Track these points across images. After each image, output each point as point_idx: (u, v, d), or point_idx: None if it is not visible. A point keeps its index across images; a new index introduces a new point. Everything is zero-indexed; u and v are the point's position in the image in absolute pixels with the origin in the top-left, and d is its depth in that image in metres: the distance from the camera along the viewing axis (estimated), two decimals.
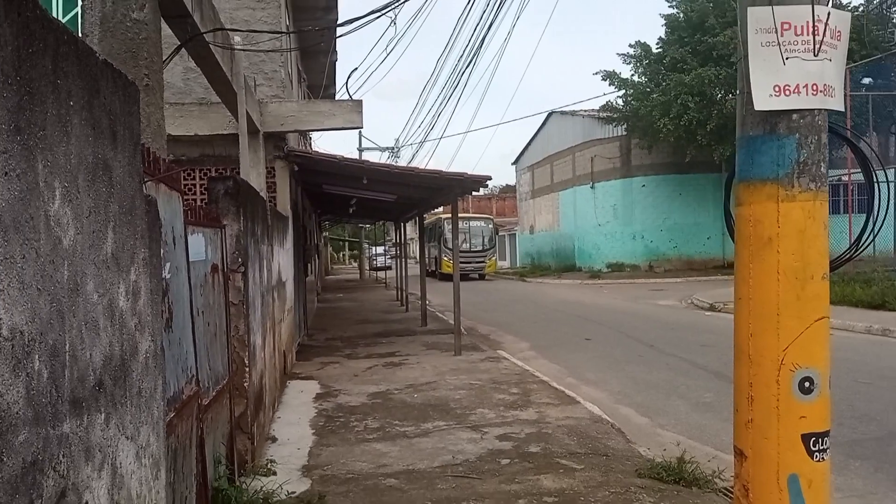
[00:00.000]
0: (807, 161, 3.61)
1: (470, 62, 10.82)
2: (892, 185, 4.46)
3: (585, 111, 35.03)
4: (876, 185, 4.12)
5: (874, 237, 4.55)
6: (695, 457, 5.29)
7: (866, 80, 19.18)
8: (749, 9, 3.59)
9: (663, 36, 28.25)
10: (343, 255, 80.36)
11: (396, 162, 33.46)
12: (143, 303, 2.16)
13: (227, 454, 4.30)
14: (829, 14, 3.55)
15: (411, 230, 36.85)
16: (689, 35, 26.67)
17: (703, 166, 28.85)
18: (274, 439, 6.37)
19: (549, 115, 39.51)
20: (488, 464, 5.54)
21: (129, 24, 3.43)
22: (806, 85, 3.58)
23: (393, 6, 5.61)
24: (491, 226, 38.29)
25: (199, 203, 6.88)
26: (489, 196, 58.72)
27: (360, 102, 10.19)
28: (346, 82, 12.11)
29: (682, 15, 27.38)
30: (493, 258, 38.39)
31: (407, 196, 14.23)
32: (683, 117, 25.41)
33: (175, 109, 9.13)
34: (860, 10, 23.88)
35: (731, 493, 3.97)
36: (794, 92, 3.58)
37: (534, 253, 42.73)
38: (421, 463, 5.60)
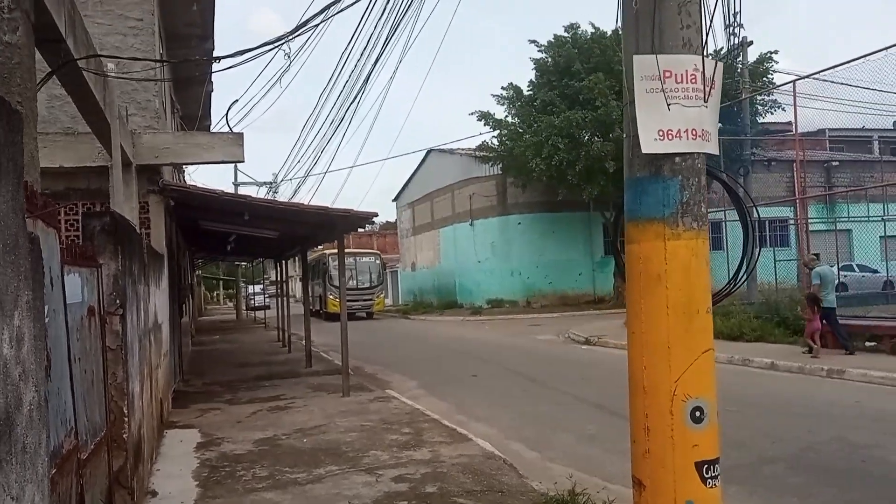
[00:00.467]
0: (689, 201, 3.82)
1: (355, 99, 10.86)
2: (751, 218, 4.80)
3: (463, 150, 35.91)
4: (749, 225, 4.43)
5: (749, 274, 4.90)
6: (586, 488, 5.39)
7: (718, 124, 20.93)
8: (635, 57, 3.79)
9: (534, 79, 29.53)
10: (217, 294, 77.11)
11: (275, 197, 32.71)
12: (27, 350, 1.93)
13: None
14: (706, 64, 3.82)
15: (292, 268, 35.98)
16: (558, 79, 27.98)
17: (574, 205, 30.21)
18: (154, 493, 5.91)
19: (429, 152, 40.15)
20: None
21: (0, 48, 3.14)
22: (687, 130, 3.80)
23: (286, 39, 5.52)
24: (379, 262, 37.06)
25: (62, 242, 6.36)
26: (370, 233, 58.55)
27: (241, 135, 9.88)
28: (227, 114, 11.72)
29: (550, 59, 28.71)
30: (382, 295, 37.27)
31: (290, 232, 13.90)
32: (554, 158, 26.51)
33: (39, 140, 8.47)
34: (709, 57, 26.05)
35: None
36: (676, 136, 3.78)
37: (416, 290, 42.86)
38: None
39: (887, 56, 13.88)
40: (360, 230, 17.78)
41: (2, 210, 1.79)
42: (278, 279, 25.48)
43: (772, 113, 27.00)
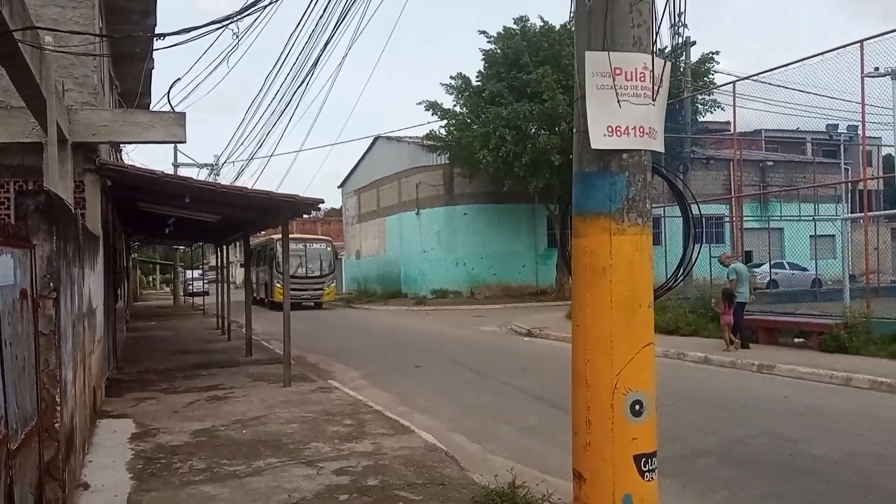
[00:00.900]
0: (635, 197, 3.88)
1: (303, 83, 10.67)
2: (692, 215, 4.88)
3: (411, 138, 35.79)
4: (690, 222, 4.53)
5: (689, 269, 5.02)
6: (525, 481, 5.43)
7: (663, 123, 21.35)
8: (587, 53, 3.82)
9: (482, 70, 29.60)
10: (154, 279, 75.02)
11: (217, 180, 31.96)
12: None
13: None
14: (655, 63, 3.87)
15: (233, 253, 35.15)
16: (506, 71, 28.12)
17: (519, 197, 30.45)
18: (86, 486, 5.70)
19: (376, 139, 39.85)
20: (326, 500, 5.34)
21: None
22: (635, 127, 3.85)
23: (234, 19, 5.36)
24: (330, 249, 34.55)
25: None
26: (315, 219, 57.85)
27: (183, 115, 9.59)
28: (168, 93, 11.40)
29: (499, 51, 28.84)
30: (333, 285, 34.66)
31: (232, 217, 13.60)
32: (501, 149, 26.67)
33: None
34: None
35: None
36: (625, 133, 3.83)
37: (360, 278, 42.59)
38: None
39: (822, 61, 14.43)
40: (304, 216, 17.51)
41: None
42: (218, 264, 24.87)
43: (711, 112, 27.74)
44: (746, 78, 17.39)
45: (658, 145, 3.97)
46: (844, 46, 13.75)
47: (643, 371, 3.86)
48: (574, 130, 4.09)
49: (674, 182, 4.65)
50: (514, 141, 26.48)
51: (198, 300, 36.37)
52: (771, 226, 25.81)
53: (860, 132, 15.92)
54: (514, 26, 28.87)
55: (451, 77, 30.27)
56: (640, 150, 3.90)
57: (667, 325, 15.86)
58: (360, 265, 43.45)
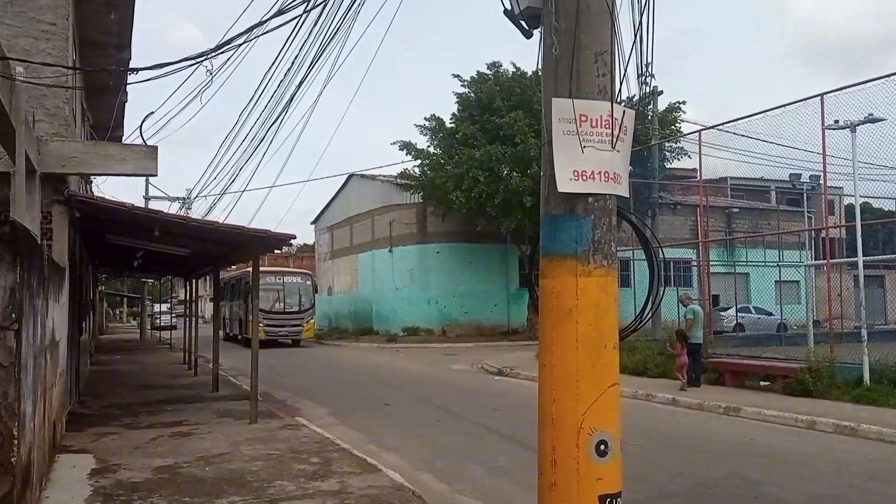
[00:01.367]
0: (601, 240, 3.98)
1: (277, 119, 10.74)
2: (657, 260, 5.00)
3: (385, 176, 36.01)
4: (655, 265, 4.64)
5: (654, 312, 5.11)
6: None
7: (629, 168, 21.82)
8: (553, 99, 3.95)
9: (456, 112, 30.09)
10: (120, 312, 73.62)
11: (188, 214, 31.69)
12: None
13: None
14: (619, 111, 4.01)
15: (202, 287, 34.59)
16: (480, 114, 28.66)
17: (492, 237, 30.75)
18: None
19: (350, 177, 40.03)
20: None
21: None
22: (600, 172, 3.97)
23: (208, 56, 5.43)
24: (310, 283, 32.70)
25: None
26: (286, 255, 57.48)
27: (155, 148, 9.54)
28: (141, 126, 11.30)
29: (472, 94, 29.40)
30: (312, 321, 32.09)
31: (203, 251, 13.50)
32: (474, 190, 27.02)
33: None
34: (623, 105, 27.30)
35: None
36: (590, 177, 3.94)
37: (332, 315, 42.28)
38: None
39: (784, 113, 14.89)
40: (276, 252, 17.44)
41: None
42: (187, 298, 24.49)
43: (679, 159, 28.42)
44: (712, 127, 17.89)
45: (623, 190, 4.09)
46: (805, 99, 14.23)
47: (609, 411, 3.91)
48: (542, 174, 4.19)
49: (639, 227, 4.77)
50: (486, 182, 26.84)
51: (165, 334, 35.75)
52: (737, 270, 26.34)
53: (822, 182, 16.39)
54: (488, 71, 29.51)
55: (426, 118, 30.76)
56: (606, 194, 4.01)
57: (635, 366, 15.97)
58: (331, 301, 43.18)
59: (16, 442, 4.12)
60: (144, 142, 9.95)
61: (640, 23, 4.69)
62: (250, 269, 29.94)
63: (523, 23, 4.26)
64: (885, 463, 8.22)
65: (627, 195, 4.21)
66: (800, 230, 30.91)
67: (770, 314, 26.22)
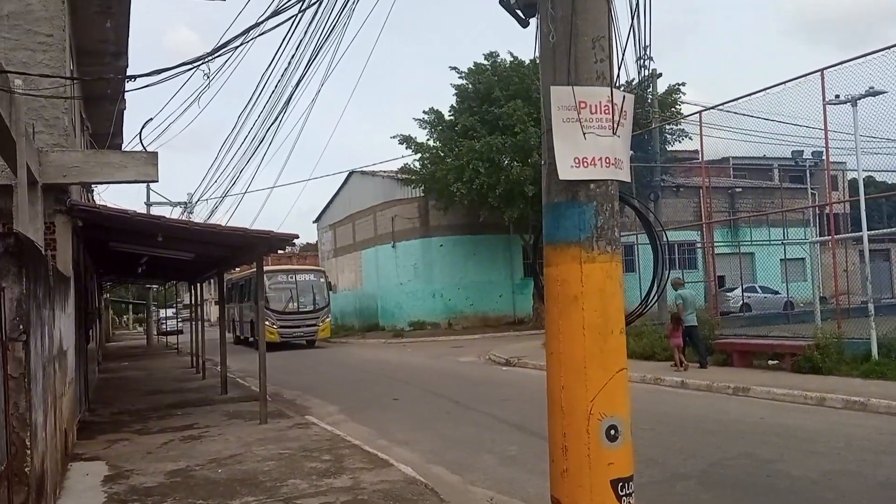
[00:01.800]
0: (604, 226, 3.97)
1: (276, 119, 10.74)
2: (661, 243, 4.99)
3: (385, 172, 36.00)
4: (659, 248, 4.63)
5: (659, 296, 5.11)
6: None
7: (630, 152, 21.71)
8: (552, 87, 3.93)
9: (455, 105, 30.03)
10: (126, 318, 73.85)
11: (190, 218, 31.70)
12: None
13: None
14: (618, 96, 4.00)
15: (207, 290, 34.58)
16: (478, 105, 28.60)
17: (495, 227, 30.76)
18: None
19: (350, 174, 40.01)
20: None
21: None
22: (601, 158, 3.95)
23: (205, 60, 5.42)
24: (324, 280, 30.54)
25: None
26: (289, 255, 57.56)
27: (155, 154, 9.56)
28: (140, 133, 11.36)
29: (470, 86, 29.33)
30: (328, 319, 30.31)
31: (207, 254, 13.52)
32: (475, 181, 27.00)
33: None
34: (622, 90, 27.25)
35: None
36: (591, 164, 3.93)
37: (337, 312, 42.26)
38: None
39: (785, 90, 14.83)
40: (279, 252, 17.44)
41: None
42: (192, 302, 24.52)
43: (680, 141, 28.34)
44: (712, 108, 17.81)
45: (624, 175, 4.08)
46: (806, 75, 14.17)
47: (617, 396, 3.91)
48: (543, 162, 4.18)
49: (641, 211, 4.76)
50: (487, 173, 26.81)
51: (172, 339, 35.82)
52: (742, 250, 26.28)
53: (825, 158, 16.32)
54: (485, 62, 29.41)
55: (424, 112, 30.72)
56: (607, 180, 3.99)
57: (643, 350, 15.99)
58: (336, 299, 43.17)
59: (29, 452, 4.15)
60: (144, 148, 9.95)
61: (637, 5, 4.68)
62: (264, 268, 28.92)
63: (519, 12, 4.24)
64: (894, 436, 8.23)
65: (629, 180, 4.20)
66: (803, 207, 30.84)
67: (776, 293, 26.20)
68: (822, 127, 14.16)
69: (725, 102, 17.00)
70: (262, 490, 6.67)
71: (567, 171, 3.88)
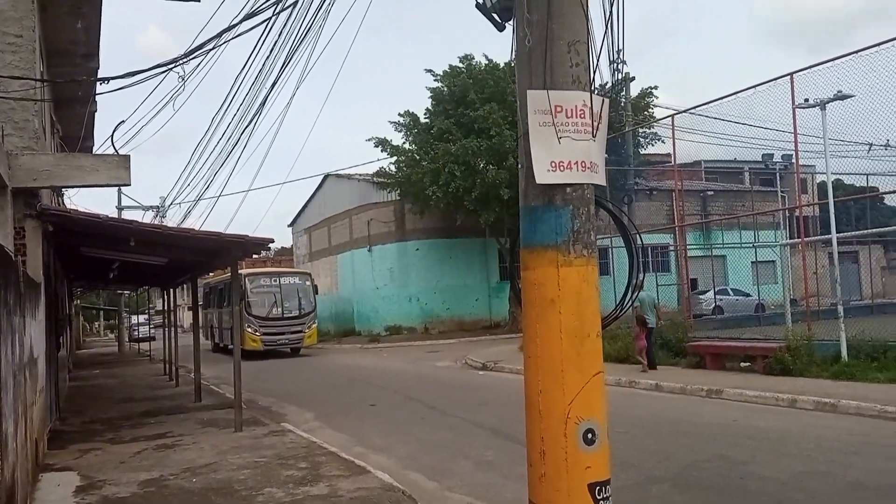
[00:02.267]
0: (580, 230, 3.99)
1: (250, 122, 10.63)
2: (636, 247, 5.02)
3: (361, 175, 35.86)
4: (634, 252, 4.66)
5: (634, 299, 5.14)
6: None
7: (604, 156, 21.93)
8: (528, 91, 3.95)
9: (430, 107, 30.02)
10: (98, 325, 72.66)
11: (163, 222, 31.28)
12: None
13: None
14: (593, 100, 4.02)
15: (180, 296, 34.01)
16: (454, 108, 28.59)
17: (471, 231, 30.79)
18: None
19: (326, 177, 39.81)
20: None
21: None
22: (577, 162, 3.97)
23: (179, 62, 5.36)
24: (310, 283, 28.53)
25: None
26: (264, 259, 57.03)
27: (127, 157, 9.43)
28: (112, 136, 11.09)
29: (446, 89, 29.34)
30: (314, 325, 28.33)
31: (180, 259, 13.35)
32: (451, 185, 26.99)
33: None
34: (595, 93, 27.44)
35: None
36: (567, 168, 3.95)
37: None
38: None
39: (755, 94, 15.08)
40: (254, 256, 17.28)
41: None
42: (165, 308, 24.12)
43: (653, 145, 28.66)
44: (684, 111, 18.06)
45: (600, 179, 4.10)
46: (775, 79, 14.42)
47: (594, 399, 3.93)
48: (519, 166, 4.20)
49: (616, 214, 4.79)
50: (463, 176, 26.83)
51: (144, 346, 35.26)
52: (714, 253, 26.66)
53: (794, 161, 16.60)
54: (460, 65, 29.43)
55: (400, 114, 30.62)
56: (583, 184, 4.02)
57: (618, 353, 16.09)
58: None
59: None
60: (116, 151, 9.82)
61: (611, 10, 4.71)
62: (243, 271, 26.96)
63: (495, 16, 4.25)
64: (863, 437, 8.36)
65: (605, 184, 4.22)
66: (774, 210, 31.32)
67: (748, 295, 26.56)
68: (792, 130, 14.41)
69: (697, 106, 17.25)
70: (238, 499, 6.59)
71: (544, 174, 3.90)
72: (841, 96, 13.60)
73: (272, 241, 10.81)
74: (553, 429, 3.84)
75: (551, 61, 3.91)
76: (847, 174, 26.27)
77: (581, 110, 3.95)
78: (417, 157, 29.19)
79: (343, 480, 7.06)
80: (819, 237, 21.02)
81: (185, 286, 22.42)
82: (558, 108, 3.91)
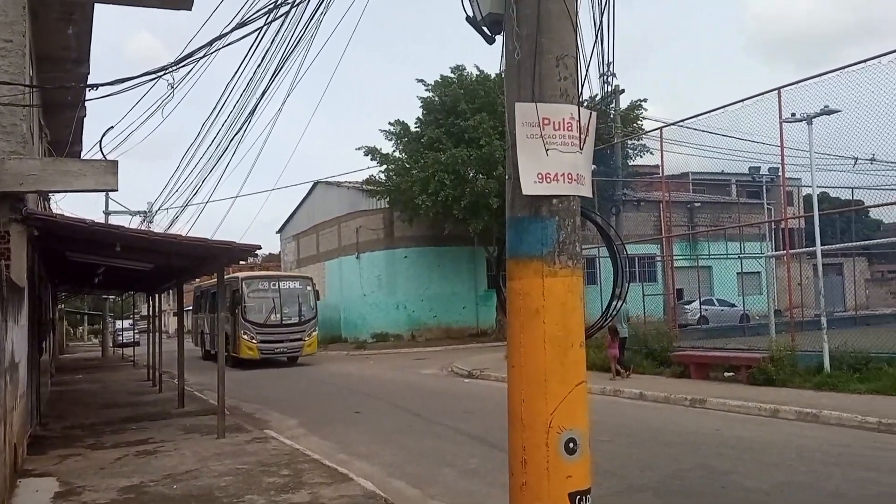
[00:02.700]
0: (566, 241, 4.02)
1: (240, 130, 10.63)
2: (621, 258, 5.07)
3: (350, 183, 35.88)
4: (619, 263, 4.70)
5: (618, 310, 5.18)
6: None
7: (592, 167, 22.02)
8: (517, 104, 3.99)
9: (421, 117, 30.12)
10: (82, 330, 71.99)
11: (150, 227, 31.06)
12: None
13: None
14: (581, 113, 4.07)
15: (166, 301, 33.77)
16: (444, 117, 28.75)
17: (459, 239, 30.84)
18: None
19: (315, 184, 39.80)
20: None
21: None
22: (564, 174, 4.01)
23: (169, 70, 5.36)
24: (310, 288, 26.48)
25: None
26: (252, 265, 56.84)
27: (115, 163, 9.38)
28: (100, 141, 11.03)
29: (437, 99, 29.48)
30: (314, 333, 26.34)
31: (166, 265, 13.28)
32: (440, 193, 27.08)
33: None
34: (585, 105, 27.63)
35: None
36: (554, 179, 3.98)
37: None
38: None
39: (743, 107, 15.24)
40: (241, 262, 17.09)
41: None
42: (150, 314, 23.87)
43: (641, 156, 28.85)
44: (673, 124, 18.22)
45: (586, 191, 4.14)
46: (763, 94, 14.57)
47: (577, 409, 3.95)
48: (507, 177, 4.23)
49: (602, 226, 4.83)
50: (452, 185, 26.92)
51: (128, 351, 34.96)
52: (700, 264, 26.81)
53: (780, 174, 16.76)
54: (452, 75, 29.60)
55: (390, 123, 30.74)
56: (569, 195, 4.05)
57: (604, 362, 16.12)
58: None
59: None
60: (104, 156, 9.77)
61: (601, 24, 4.77)
62: (239, 274, 26.49)
63: (485, 29, 4.28)
64: (844, 447, 8.44)
65: (591, 195, 4.26)
66: (760, 222, 31.60)
67: (733, 306, 26.73)
68: (779, 144, 14.56)
69: (686, 119, 17.41)
70: None
71: (530, 186, 3.93)
72: (827, 111, 13.76)
73: (259, 247, 10.78)
74: (535, 438, 3.86)
75: (540, 74, 3.95)
76: (833, 187, 26.53)
77: (568, 123, 3.99)
78: (407, 166, 29.26)
79: (325, 488, 7.04)
80: (804, 249, 21.23)
81: (170, 291, 22.25)
82: (546, 121, 3.95)
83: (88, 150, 18.53)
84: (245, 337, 24.15)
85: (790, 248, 16.89)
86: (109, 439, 10.55)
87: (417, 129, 30.00)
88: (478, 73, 29.53)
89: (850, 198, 23.92)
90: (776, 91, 14.20)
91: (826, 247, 15.12)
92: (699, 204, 37.15)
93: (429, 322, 32.69)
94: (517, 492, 3.91)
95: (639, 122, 28.51)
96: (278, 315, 25.08)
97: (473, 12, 4.20)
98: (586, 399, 4.03)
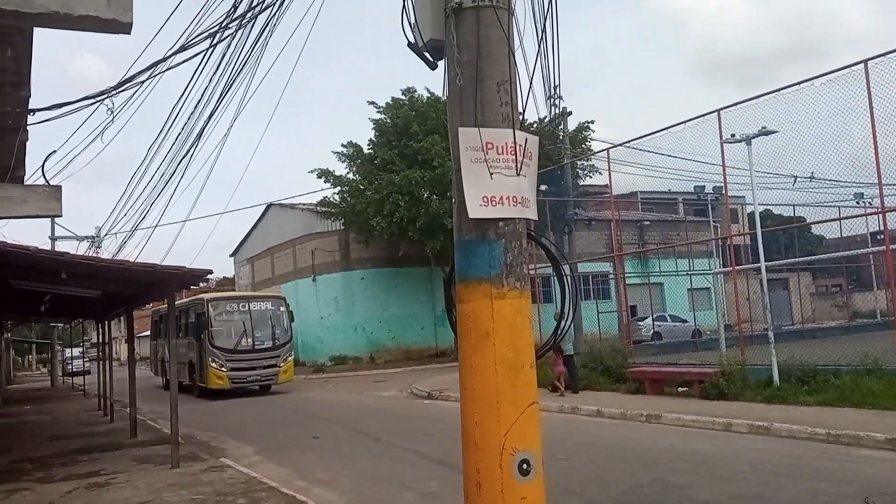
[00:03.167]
0: (513, 263, 4.10)
1: (188, 153, 10.51)
2: (568, 278, 5.17)
3: (305, 205, 35.66)
4: (566, 286, 4.79)
5: (566, 331, 5.27)
6: None
7: (543, 187, 22.26)
8: (460, 129, 4.07)
9: (373, 138, 30.16)
10: (30, 359, 69.60)
11: (98, 253, 30.30)
12: None
13: None
14: (523, 138, 4.16)
15: (117, 327, 32.88)
16: (397, 139, 28.82)
17: (416, 260, 30.84)
18: None
19: (269, 207, 39.43)
20: None
21: None
22: (509, 197, 4.09)
23: (109, 94, 5.30)
24: (283, 309, 23.74)
25: None
26: (206, 290, 55.89)
27: (59, 188, 9.22)
28: (42, 166, 10.72)
29: (389, 120, 29.56)
30: (290, 358, 23.66)
31: (115, 292, 12.98)
32: (395, 215, 27.09)
33: None
34: (534, 127, 28.09)
35: None
36: (499, 203, 4.06)
37: None
38: None
39: (686, 128, 15.70)
40: (193, 287, 16.74)
41: None
42: (100, 341, 23.20)
43: (591, 176, 29.27)
44: (620, 144, 18.67)
45: (531, 213, 4.22)
46: (704, 115, 15.04)
47: (529, 430, 4.00)
48: (454, 201, 4.29)
49: (548, 247, 4.92)
50: (407, 206, 26.96)
51: (78, 380, 33.91)
52: (651, 281, 27.33)
53: (724, 192, 17.26)
54: (403, 97, 29.74)
55: (343, 145, 30.64)
56: (515, 218, 4.13)
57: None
58: None
59: None
60: (47, 182, 9.58)
61: (543, 49, 4.89)
62: (206, 295, 24.84)
63: (427, 55, 4.36)
64: (795, 459, 8.66)
65: (536, 218, 4.34)
66: (707, 240, 32.42)
67: (685, 321, 27.29)
68: (721, 163, 15.01)
69: (632, 140, 17.86)
70: None
71: (476, 209, 4.00)
72: (765, 132, 14.26)
73: (210, 272, 10.63)
74: (488, 460, 3.89)
75: (481, 100, 4.04)
76: (775, 205, 27.48)
77: (511, 147, 4.08)
78: (361, 188, 29.22)
79: None
80: (750, 265, 21.84)
81: (121, 318, 21.67)
82: (489, 145, 4.03)
83: (31, 175, 18.08)
84: (214, 365, 21.81)
85: (736, 264, 17.38)
86: (59, 472, 10.21)
87: (370, 151, 30.00)
88: (428, 95, 29.73)
89: (793, 214, 24.74)
90: (716, 113, 14.68)
91: (771, 262, 15.60)
92: (648, 222, 37.95)
93: (388, 343, 32.53)
94: None
95: (587, 143, 28.99)
96: (250, 339, 22.59)
97: (415, 38, 4.28)
98: (538, 420, 4.09)
